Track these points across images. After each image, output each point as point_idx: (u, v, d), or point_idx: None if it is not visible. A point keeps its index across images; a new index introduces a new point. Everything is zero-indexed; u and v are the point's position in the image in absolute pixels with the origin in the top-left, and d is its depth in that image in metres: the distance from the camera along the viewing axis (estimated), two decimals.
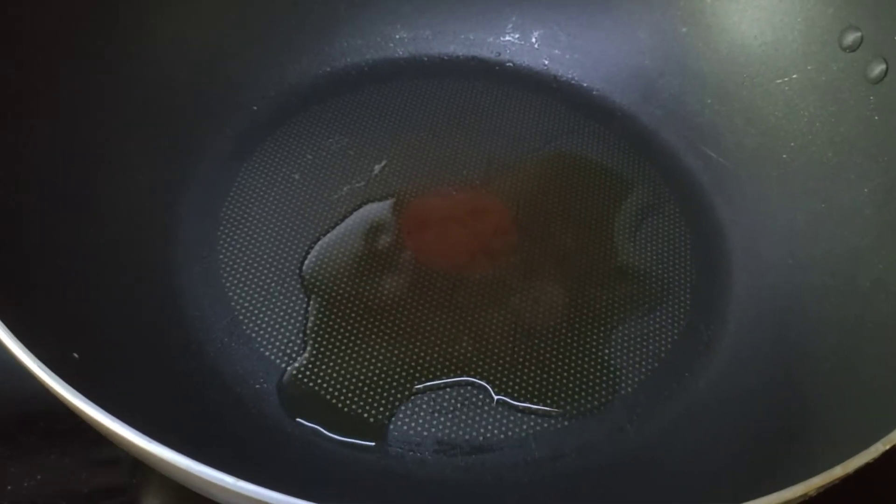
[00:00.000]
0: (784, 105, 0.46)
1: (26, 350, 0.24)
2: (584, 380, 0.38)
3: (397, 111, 0.51)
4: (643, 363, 0.39)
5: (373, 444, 0.35)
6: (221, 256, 0.42)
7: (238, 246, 0.42)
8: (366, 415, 0.36)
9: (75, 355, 0.30)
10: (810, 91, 0.45)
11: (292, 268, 0.42)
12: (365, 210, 0.45)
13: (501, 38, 0.55)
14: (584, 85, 0.53)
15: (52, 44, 0.38)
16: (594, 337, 0.40)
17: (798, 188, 0.44)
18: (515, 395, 0.38)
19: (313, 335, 0.39)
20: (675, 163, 0.49)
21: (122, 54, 0.43)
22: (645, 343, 0.40)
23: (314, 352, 0.38)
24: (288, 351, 0.38)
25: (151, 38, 0.45)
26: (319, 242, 0.43)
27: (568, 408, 0.37)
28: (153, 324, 0.37)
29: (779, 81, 0.46)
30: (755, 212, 0.45)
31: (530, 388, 0.38)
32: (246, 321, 0.39)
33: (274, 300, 0.40)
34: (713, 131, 0.49)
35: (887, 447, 0.23)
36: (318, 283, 0.41)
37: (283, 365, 0.38)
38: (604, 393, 0.38)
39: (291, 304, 0.40)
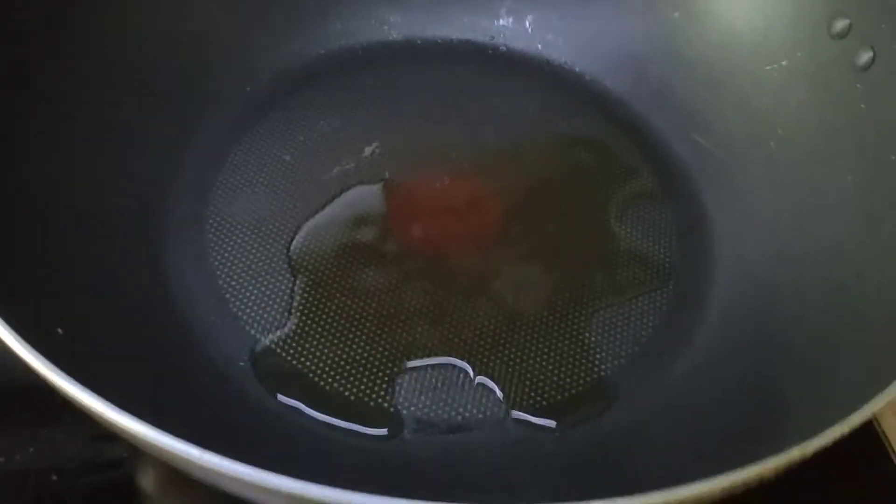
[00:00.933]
0: (773, 93, 0.46)
1: (5, 324, 0.25)
2: (564, 364, 0.39)
3: (390, 94, 0.52)
4: (623, 348, 0.40)
5: (352, 423, 0.36)
6: (210, 236, 0.42)
7: (227, 226, 0.43)
8: (347, 393, 0.37)
9: (59, 331, 0.31)
10: (799, 78, 0.45)
11: (280, 248, 0.42)
12: (354, 192, 0.46)
13: (495, 22, 0.55)
14: (577, 70, 0.53)
15: (38, 20, 0.39)
16: (575, 321, 0.41)
17: (784, 177, 0.44)
18: (495, 376, 0.38)
19: (298, 314, 0.40)
20: (664, 150, 0.49)
21: (111, 34, 0.43)
22: (625, 328, 0.41)
23: (298, 330, 0.39)
24: (274, 330, 0.39)
25: (141, 18, 0.45)
26: (307, 223, 0.44)
27: (547, 390, 0.38)
28: (139, 302, 0.38)
29: (768, 68, 0.46)
30: (741, 201, 0.45)
31: (511, 371, 0.38)
32: (233, 300, 0.40)
33: (261, 279, 0.41)
34: (703, 118, 0.49)
35: (846, 430, 0.24)
36: (304, 264, 0.42)
37: (269, 343, 0.38)
38: (582, 377, 0.39)
39: (278, 284, 0.41)
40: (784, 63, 0.45)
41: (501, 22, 0.55)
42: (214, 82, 0.49)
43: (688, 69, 0.50)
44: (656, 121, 0.50)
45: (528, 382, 0.38)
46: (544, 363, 0.39)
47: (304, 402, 0.37)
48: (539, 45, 0.55)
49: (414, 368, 0.38)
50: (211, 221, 0.43)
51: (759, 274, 0.42)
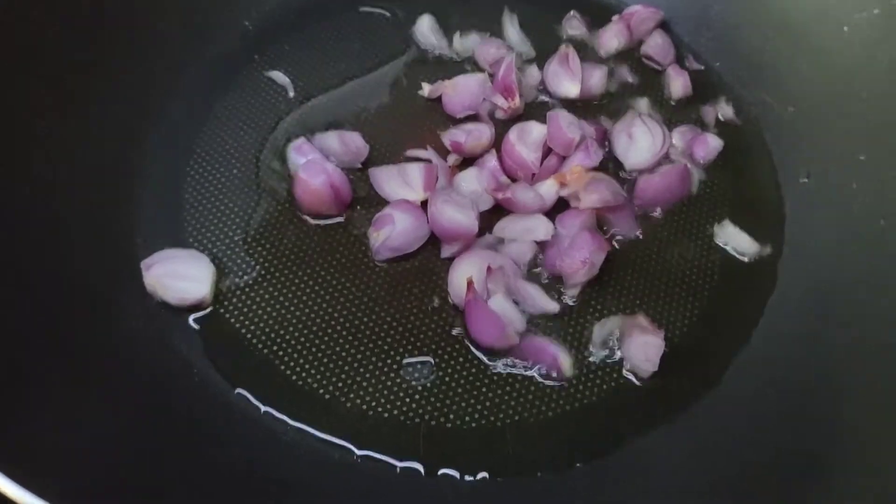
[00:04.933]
0: (860, 46, 0.37)
1: None
2: None
3: (405, 33, 0.45)
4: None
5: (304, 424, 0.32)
6: (187, 195, 0.38)
7: (205, 185, 0.39)
8: (317, 387, 0.33)
9: None
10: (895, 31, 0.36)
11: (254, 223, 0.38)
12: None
13: None
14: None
15: None
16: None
17: (864, 151, 0.36)
18: None
19: (272, 301, 0.35)
20: (723, 108, 0.41)
21: None
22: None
23: (269, 320, 0.35)
24: (240, 317, 0.35)
25: None
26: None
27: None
28: (106, 275, 0.34)
29: (857, 16, 0.37)
30: (811, 175, 0.38)
31: None
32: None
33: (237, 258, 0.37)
34: (772, 72, 0.41)
35: None
36: (276, 248, 0.37)
37: (241, 330, 0.34)
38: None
39: (251, 264, 0.37)
40: (876, 11, 0.37)
41: None
42: (212, 16, 0.43)
43: (758, 12, 0.41)
44: (717, 72, 0.42)
45: None
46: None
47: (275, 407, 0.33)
48: None
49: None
50: (189, 180, 0.38)
51: (824, 267, 0.35)
